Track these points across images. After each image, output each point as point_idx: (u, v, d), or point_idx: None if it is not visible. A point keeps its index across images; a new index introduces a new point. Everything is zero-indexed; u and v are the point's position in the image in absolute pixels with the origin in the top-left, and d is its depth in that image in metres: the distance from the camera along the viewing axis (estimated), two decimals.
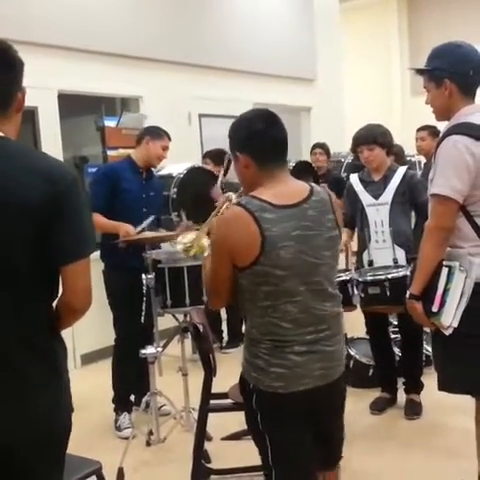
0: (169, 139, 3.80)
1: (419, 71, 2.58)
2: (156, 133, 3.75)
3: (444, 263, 2.38)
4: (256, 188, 1.94)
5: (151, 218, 3.49)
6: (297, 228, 1.87)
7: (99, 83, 5.18)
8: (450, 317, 2.35)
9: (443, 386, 2.57)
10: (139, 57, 5.51)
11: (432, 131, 5.33)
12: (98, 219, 3.57)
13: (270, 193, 1.90)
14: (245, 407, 2.03)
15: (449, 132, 2.42)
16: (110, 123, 5.30)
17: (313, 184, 2.01)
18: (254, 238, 1.83)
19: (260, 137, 1.93)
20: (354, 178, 3.77)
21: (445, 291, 2.36)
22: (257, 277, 1.87)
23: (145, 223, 3.46)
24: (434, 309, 2.38)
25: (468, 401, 2.58)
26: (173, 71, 5.85)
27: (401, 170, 3.62)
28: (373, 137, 3.59)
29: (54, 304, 1.63)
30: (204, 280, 2.02)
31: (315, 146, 5.89)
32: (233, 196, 2.20)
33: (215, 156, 5.15)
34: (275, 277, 1.85)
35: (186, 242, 2.53)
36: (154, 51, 5.64)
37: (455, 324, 2.35)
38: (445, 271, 2.36)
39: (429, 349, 4.06)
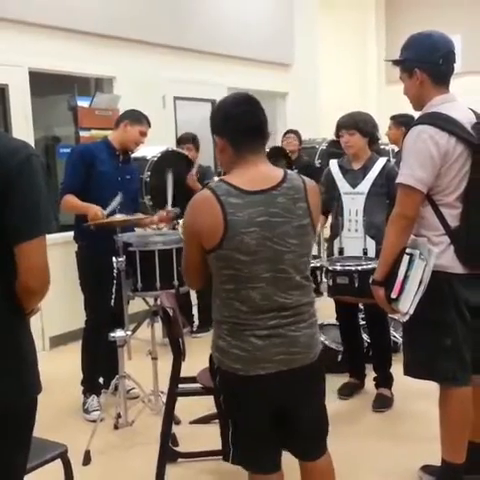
0: (149, 125, 3.73)
1: (394, 62, 2.60)
2: (136, 117, 3.70)
3: (406, 251, 2.42)
4: (232, 171, 1.96)
5: (118, 197, 3.44)
6: (263, 214, 1.87)
7: (72, 62, 5.08)
8: (408, 304, 2.40)
9: (408, 371, 2.63)
10: (114, 37, 5.42)
11: (397, 121, 5.38)
12: (70, 200, 3.54)
13: (241, 178, 1.91)
14: (214, 387, 2.07)
15: (416, 122, 2.46)
16: (83, 103, 5.21)
17: (288, 171, 2.01)
18: (218, 222, 1.85)
19: (235, 121, 1.95)
20: (334, 164, 3.74)
21: (405, 278, 2.40)
22: (220, 261, 1.89)
23: (113, 204, 3.42)
24: (393, 295, 2.43)
25: (434, 386, 2.61)
26: (149, 52, 5.77)
27: (381, 161, 3.61)
28: (355, 122, 3.58)
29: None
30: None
31: (288, 131, 6.10)
32: (216, 179, 2.24)
33: (189, 140, 5.11)
34: (238, 262, 1.87)
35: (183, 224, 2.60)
36: (130, 31, 5.55)
37: (411, 311, 2.40)
38: (406, 258, 2.41)
39: (396, 335, 4.15)
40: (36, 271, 1.57)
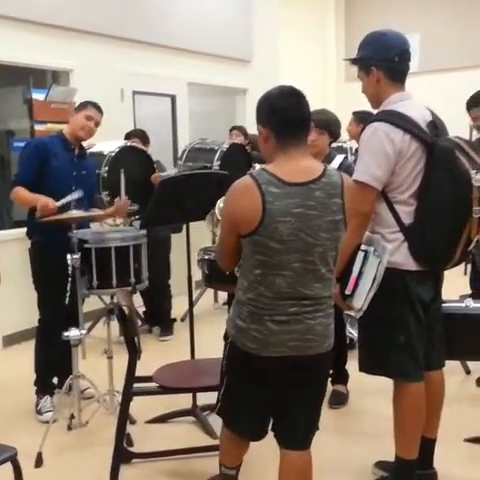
0: (99, 111, 3.64)
1: (352, 61, 2.61)
2: (80, 104, 3.66)
3: (361, 247, 2.44)
4: (274, 161, 2.02)
5: (76, 194, 3.36)
6: (300, 206, 1.94)
7: (27, 53, 4.95)
8: (361, 300, 2.42)
9: (362, 367, 2.65)
10: (72, 29, 5.30)
11: (357, 117, 5.39)
12: (20, 192, 3.45)
13: (282, 169, 1.97)
14: (223, 348, 2.20)
15: (372, 119, 2.48)
16: (38, 96, 5.09)
17: (329, 166, 2.08)
18: (256, 209, 1.91)
19: (281, 114, 2.00)
20: None
21: (360, 274, 2.42)
22: (254, 246, 1.96)
23: (68, 198, 3.34)
24: (347, 291, 2.45)
25: (389, 382, 2.62)
26: (107, 45, 5.67)
27: (338, 159, 3.60)
28: (328, 123, 3.54)
29: None
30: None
31: (233, 128, 6.23)
32: (258, 167, 2.30)
33: (136, 135, 5.04)
34: (270, 249, 1.94)
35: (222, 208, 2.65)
36: (88, 23, 5.44)
37: (365, 307, 2.42)
38: (361, 255, 2.43)
39: (352, 332, 4.18)
40: None
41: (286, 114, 1.99)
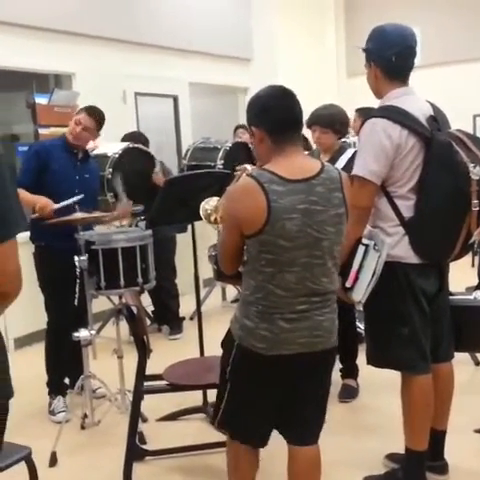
0: (90, 116, 3.54)
1: (362, 49, 2.62)
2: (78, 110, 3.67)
3: (362, 241, 2.45)
4: (270, 162, 2.02)
5: (76, 198, 3.37)
6: (304, 202, 1.95)
7: (30, 58, 4.99)
8: (361, 294, 2.44)
9: (369, 361, 2.67)
10: (73, 33, 5.33)
11: (361, 113, 5.39)
12: (20, 194, 3.40)
13: (281, 167, 1.98)
14: (221, 357, 2.20)
15: (371, 115, 2.50)
16: (42, 100, 5.12)
17: (325, 162, 2.11)
18: (261, 208, 1.91)
19: (273, 113, 2.02)
20: None
21: (360, 268, 2.44)
22: (261, 245, 1.96)
23: (66, 202, 3.35)
24: (347, 285, 2.47)
25: (398, 375, 2.63)
26: (108, 48, 5.69)
27: (349, 152, 3.56)
28: (332, 122, 3.52)
29: None
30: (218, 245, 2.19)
31: (238, 127, 6.23)
32: (249, 168, 2.31)
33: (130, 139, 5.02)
34: (278, 247, 1.95)
35: (208, 208, 2.65)
36: (89, 27, 5.47)
37: (364, 300, 2.45)
38: (362, 249, 2.45)
39: (361, 327, 4.19)
40: (9, 274, 1.51)
41: (278, 115, 2.01)
